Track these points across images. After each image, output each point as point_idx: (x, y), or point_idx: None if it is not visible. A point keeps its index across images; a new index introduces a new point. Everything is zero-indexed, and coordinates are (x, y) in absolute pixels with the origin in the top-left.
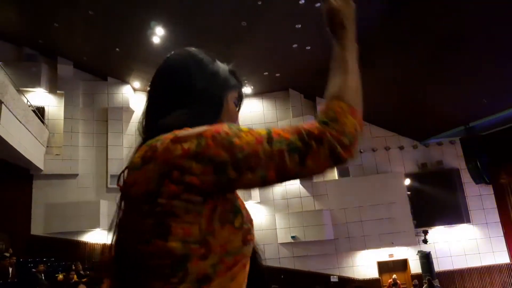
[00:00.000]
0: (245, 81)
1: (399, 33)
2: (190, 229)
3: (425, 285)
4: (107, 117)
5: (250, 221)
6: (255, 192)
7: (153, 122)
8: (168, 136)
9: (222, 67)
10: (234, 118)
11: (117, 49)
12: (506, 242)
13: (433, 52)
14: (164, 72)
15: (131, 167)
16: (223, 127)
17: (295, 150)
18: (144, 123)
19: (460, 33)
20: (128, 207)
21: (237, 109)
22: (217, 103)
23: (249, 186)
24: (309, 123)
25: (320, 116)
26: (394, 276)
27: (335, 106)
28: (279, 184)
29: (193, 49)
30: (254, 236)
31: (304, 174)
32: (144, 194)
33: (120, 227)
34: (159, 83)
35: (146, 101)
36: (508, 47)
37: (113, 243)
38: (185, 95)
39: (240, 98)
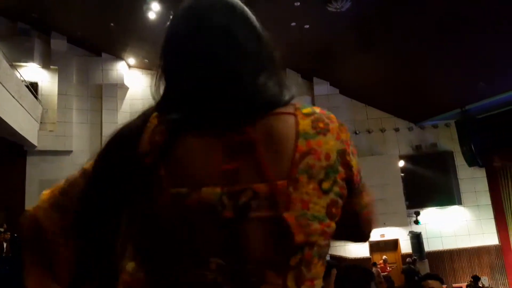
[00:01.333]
0: None
1: (398, 14)
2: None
3: (406, 265)
4: (101, 93)
5: None
6: None
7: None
8: (322, 111)
9: None
10: None
11: (112, 24)
12: (496, 224)
13: (432, 33)
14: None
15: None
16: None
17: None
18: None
19: (460, 15)
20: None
21: None
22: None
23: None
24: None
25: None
26: (385, 257)
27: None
28: None
29: None
30: None
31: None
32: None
33: None
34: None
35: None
36: (508, 29)
37: None
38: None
39: None
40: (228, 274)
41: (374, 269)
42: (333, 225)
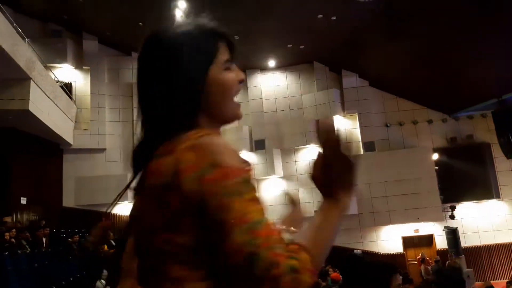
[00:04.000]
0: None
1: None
2: (199, 229)
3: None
4: (132, 92)
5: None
6: (279, 167)
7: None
8: (189, 137)
9: (198, 32)
10: (233, 90)
11: (140, 23)
12: None
13: (466, 18)
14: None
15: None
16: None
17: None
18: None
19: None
20: (148, 192)
21: (232, 68)
22: (192, 94)
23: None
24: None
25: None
26: (422, 252)
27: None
28: (303, 159)
29: (161, 30)
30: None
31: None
32: (161, 185)
33: (136, 212)
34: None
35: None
36: None
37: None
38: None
39: (231, 50)
40: None
41: (423, 266)
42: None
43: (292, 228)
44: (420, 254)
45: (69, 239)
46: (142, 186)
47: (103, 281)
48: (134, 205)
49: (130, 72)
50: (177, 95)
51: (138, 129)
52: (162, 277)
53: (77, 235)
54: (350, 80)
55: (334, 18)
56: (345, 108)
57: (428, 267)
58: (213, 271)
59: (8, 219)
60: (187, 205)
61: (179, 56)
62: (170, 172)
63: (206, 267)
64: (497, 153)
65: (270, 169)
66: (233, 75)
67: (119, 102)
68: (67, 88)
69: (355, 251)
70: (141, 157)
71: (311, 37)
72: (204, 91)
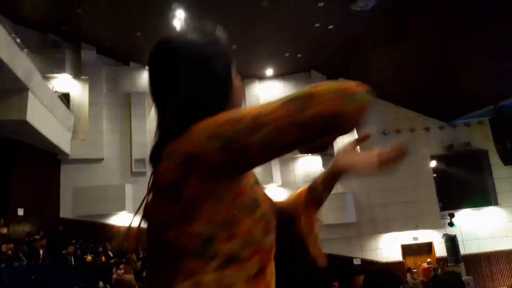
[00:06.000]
0: (266, 64)
1: (426, 7)
2: (213, 215)
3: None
4: (130, 102)
5: (270, 213)
6: (277, 176)
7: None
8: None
9: (216, 39)
10: (242, 95)
11: (139, 33)
12: None
13: (462, 26)
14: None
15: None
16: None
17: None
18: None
19: (491, 4)
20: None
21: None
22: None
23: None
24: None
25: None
26: (429, 260)
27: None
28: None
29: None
30: (274, 227)
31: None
32: (170, 182)
33: (147, 212)
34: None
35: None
36: None
37: (140, 225)
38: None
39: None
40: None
41: (408, 275)
42: None
43: None
44: (426, 262)
45: (63, 251)
46: (154, 185)
47: None
48: (145, 206)
49: (128, 82)
50: (208, 100)
51: (136, 139)
52: (175, 272)
53: (72, 246)
54: None
55: (331, 27)
56: None
57: (415, 276)
58: (225, 261)
59: (4, 230)
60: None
61: (207, 63)
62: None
63: (219, 258)
64: (494, 160)
65: (268, 177)
66: (239, 81)
67: (117, 112)
68: (65, 98)
69: (354, 260)
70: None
71: (308, 46)
72: (230, 96)
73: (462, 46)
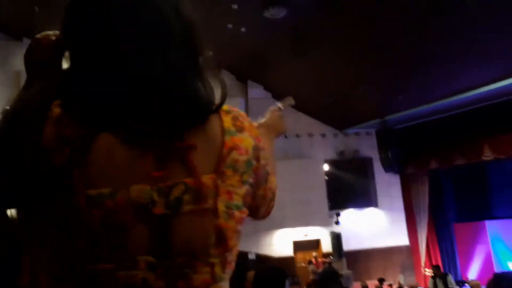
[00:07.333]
0: None
1: (329, 27)
2: None
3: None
4: (20, 81)
5: None
6: None
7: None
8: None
9: None
10: None
11: (36, 8)
12: (406, 226)
13: (357, 47)
14: None
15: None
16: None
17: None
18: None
19: (390, 35)
20: None
21: None
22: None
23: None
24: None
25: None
26: (315, 254)
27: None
28: None
29: None
30: None
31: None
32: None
33: None
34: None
35: None
36: (423, 48)
37: None
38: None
39: None
40: (159, 270)
41: (310, 266)
42: (247, 212)
43: None
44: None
45: None
46: None
47: None
48: None
49: (21, 59)
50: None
51: None
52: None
53: None
54: (256, 91)
55: (244, 30)
56: (250, 117)
57: (315, 267)
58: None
59: None
60: None
61: None
62: None
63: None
64: (377, 167)
65: None
66: None
67: (7, 93)
68: None
69: (249, 254)
70: None
71: (219, 45)
72: None
73: (355, 66)
